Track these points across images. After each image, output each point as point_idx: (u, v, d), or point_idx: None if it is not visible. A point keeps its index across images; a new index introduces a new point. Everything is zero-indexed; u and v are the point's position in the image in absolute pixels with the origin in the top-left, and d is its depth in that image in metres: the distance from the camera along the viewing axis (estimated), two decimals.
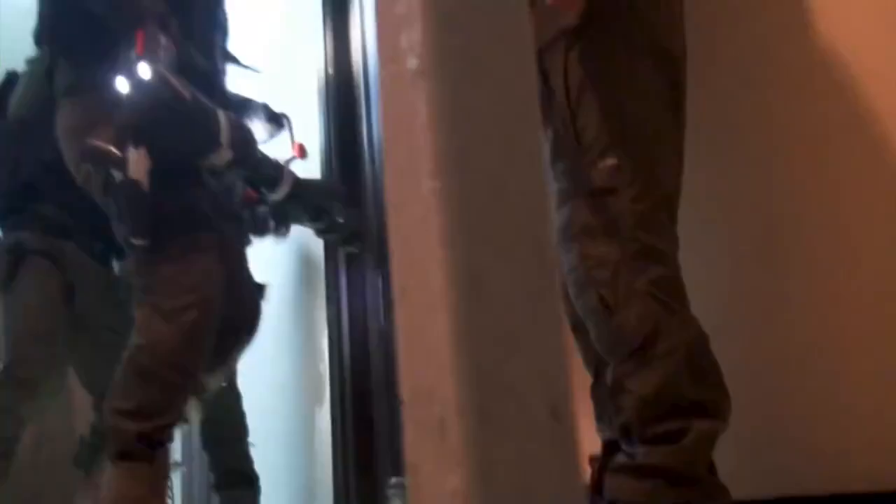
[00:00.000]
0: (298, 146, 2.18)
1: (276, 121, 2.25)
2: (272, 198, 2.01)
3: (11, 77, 2.73)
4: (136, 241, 1.68)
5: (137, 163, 1.67)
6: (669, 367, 1.28)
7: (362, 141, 3.32)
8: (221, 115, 1.74)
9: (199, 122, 1.73)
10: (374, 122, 3.29)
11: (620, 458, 1.30)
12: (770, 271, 1.56)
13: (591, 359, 1.47)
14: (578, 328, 1.48)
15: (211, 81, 1.90)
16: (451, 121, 0.35)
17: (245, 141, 1.84)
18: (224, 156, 1.77)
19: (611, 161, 1.32)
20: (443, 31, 0.37)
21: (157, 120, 1.68)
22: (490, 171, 0.36)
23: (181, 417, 1.72)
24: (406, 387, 0.37)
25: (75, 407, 3.32)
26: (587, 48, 1.36)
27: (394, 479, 3.03)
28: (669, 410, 1.27)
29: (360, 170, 3.28)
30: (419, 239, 0.36)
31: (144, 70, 1.65)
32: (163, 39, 1.70)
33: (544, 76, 1.38)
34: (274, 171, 1.94)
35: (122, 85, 1.68)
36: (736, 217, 1.63)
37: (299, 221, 2.25)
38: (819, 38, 1.50)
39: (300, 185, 2.01)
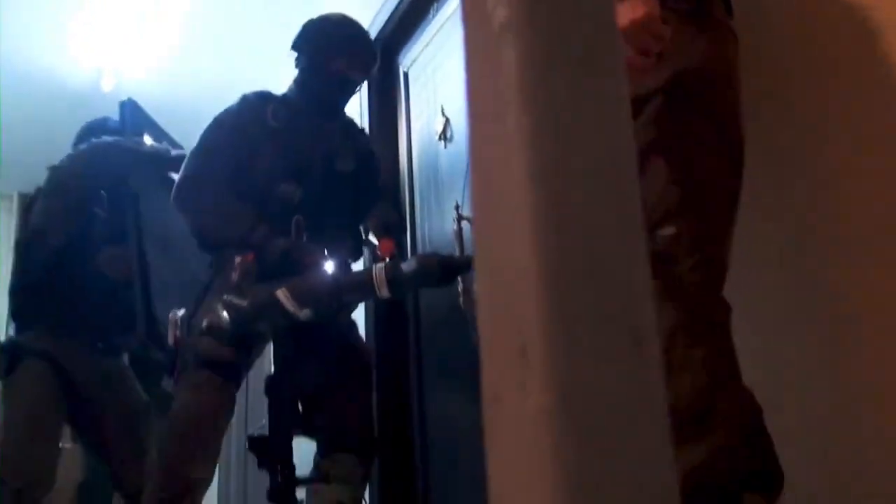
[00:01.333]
0: (384, 245, 2.34)
1: (377, 232, 2.49)
2: (381, 297, 2.24)
3: (37, 192, 3.00)
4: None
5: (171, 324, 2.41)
6: (722, 440, 1.25)
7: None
8: (281, 294, 2.19)
9: (266, 312, 2.23)
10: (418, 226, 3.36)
11: None
12: (828, 341, 1.54)
13: None
14: None
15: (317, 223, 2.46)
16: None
17: (313, 296, 2.26)
18: (305, 314, 2.22)
19: (669, 230, 1.33)
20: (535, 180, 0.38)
21: (239, 329, 2.28)
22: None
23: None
24: (487, 324, 0.37)
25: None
26: (661, 115, 1.39)
27: None
28: (720, 483, 1.24)
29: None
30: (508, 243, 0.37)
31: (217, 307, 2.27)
32: (237, 260, 2.26)
33: None
34: (364, 286, 2.19)
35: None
36: (787, 284, 1.61)
37: (429, 287, 2.41)
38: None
39: (397, 277, 2.18)
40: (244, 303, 2.24)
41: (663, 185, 1.36)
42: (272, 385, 2.52)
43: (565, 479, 0.33)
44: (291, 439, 2.44)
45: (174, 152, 3.13)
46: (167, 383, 3.07)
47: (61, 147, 3.30)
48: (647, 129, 1.38)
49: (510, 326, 0.35)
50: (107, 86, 4.49)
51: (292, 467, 2.41)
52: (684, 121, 1.40)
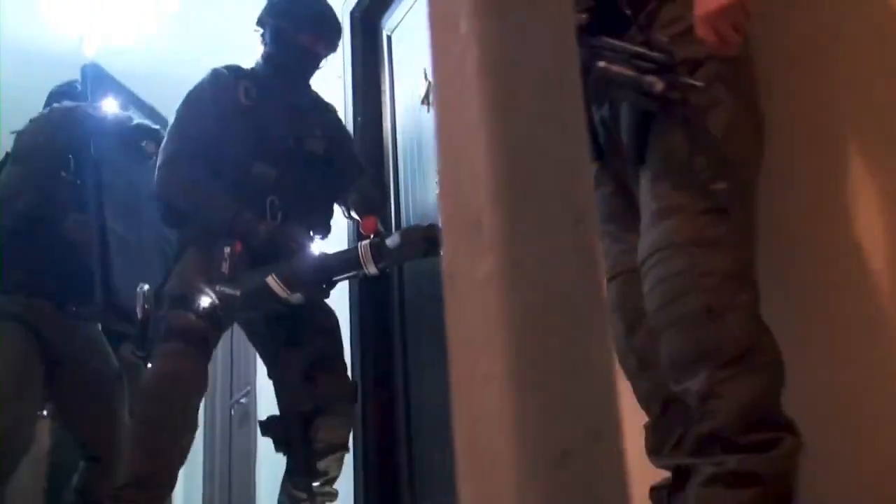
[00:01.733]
0: (367, 223, 2.39)
1: (359, 210, 2.55)
2: (370, 274, 2.31)
3: (5, 158, 3.00)
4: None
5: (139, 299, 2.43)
6: (767, 379, 1.33)
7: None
8: (271, 280, 2.27)
9: (258, 300, 2.31)
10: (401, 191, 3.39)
11: (708, 469, 1.31)
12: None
13: (658, 394, 1.50)
14: (645, 366, 1.52)
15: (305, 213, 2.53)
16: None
17: (303, 280, 2.34)
18: (294, 299, 2.32)
19: (722, 185, 1.42)
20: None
21: (234, 309, 2.36)
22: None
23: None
24: (446, 202, 0.42)
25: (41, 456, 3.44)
26: (715, 76, 1.47)
27: None
28: (763, 420, 1.31)
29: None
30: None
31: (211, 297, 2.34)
32: (226, 251, 2.32)
33: (664, 96, 1.45)
34: (352, 265, 2.26)
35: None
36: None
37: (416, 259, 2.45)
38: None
39: (383, 254, 2.25)
40: (236, 292, 2.31)
41: (716, 144, 1.45)
42: (272, 368, 2.57)
43: (513, 336, 0.38)
44: (302, 416, 2.47)
45: (136, 121, 3.15)
46: (126, 349, 3.13)
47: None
48: (710, 82, 1.46)
49: (467, 205, 0.40)
50: (89, 51, 4.47)
51: (309, 443, 2.45)
52: (733, 86, 1.50)
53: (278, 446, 2.52)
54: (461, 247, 0.40)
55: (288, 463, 2.52)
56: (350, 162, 2.82)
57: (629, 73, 1.40)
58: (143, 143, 3.01)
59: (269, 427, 2.51)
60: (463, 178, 0.40)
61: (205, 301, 2.32)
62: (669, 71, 1.39)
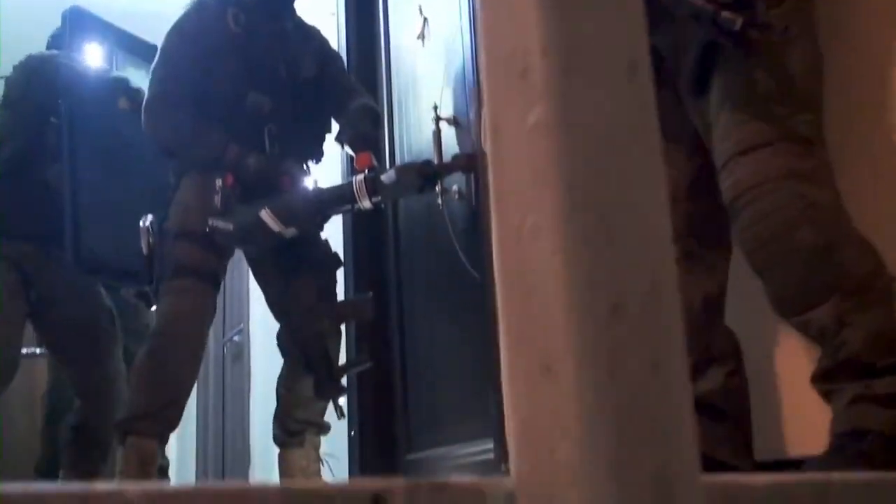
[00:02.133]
0: (361, 159, 2.34)
1: (353, 145, 2.49)
2: (364, 208, 2.27)
3: None
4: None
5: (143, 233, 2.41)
6: (890, 303, 1.34)
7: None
8: (265, 214, 2.25)
9: (252, 234, 2.29)
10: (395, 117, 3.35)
11: (851, 392, 1.33)
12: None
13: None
14: None
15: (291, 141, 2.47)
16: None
17: (297, 214, 2.32)
18: (290, 233, 2.29)
19: (809, 116, 1.41)
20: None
21: (227, 244, 2.36)
22: None
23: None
24: (490, 49, 0.39)
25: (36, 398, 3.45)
26: (792, 13, 1.44)
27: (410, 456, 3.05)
28: (894, 343, 1.32)
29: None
30: None
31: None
32: (217, 184, 2.28)
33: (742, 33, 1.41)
34: (346, 200, 2.21)
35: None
36: None
37: (411, 195, 2.41)
38: None
39: (378, 189, 2.21)
40: (229, 226, 2.28)
41: (802, 74, 1.43)
42: (281, 299, 2.55)
43: (564, 185, 0.36)
44: (320, 335, 2.45)
45: (114, 74, 3.10)
46: (127, 293, 3.11)
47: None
48: (788, 16, 1.42)
49: (514, 51, 0.37)
50: None
51: (330, 359, 2.44)
52: (808, 31, 1.47)
53: (302, 365, 2.51)
54: (507, 95, 0.38)
55: (278, 404, 2.52)
56: (341, 84, 2.76)
57: (707, 6, 1.36)
58: (119, 101, 2.96)
59: (287, 349, 2.50)
60: (509, 21, 0.38)
61: (210, 233, 2.29)
62: (745, 6, 1.35)
